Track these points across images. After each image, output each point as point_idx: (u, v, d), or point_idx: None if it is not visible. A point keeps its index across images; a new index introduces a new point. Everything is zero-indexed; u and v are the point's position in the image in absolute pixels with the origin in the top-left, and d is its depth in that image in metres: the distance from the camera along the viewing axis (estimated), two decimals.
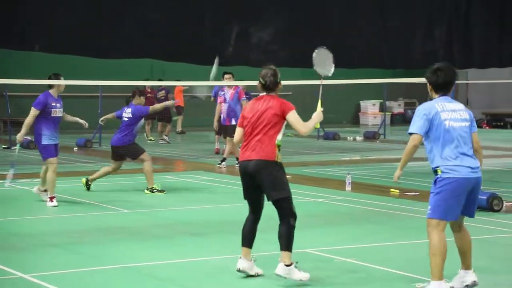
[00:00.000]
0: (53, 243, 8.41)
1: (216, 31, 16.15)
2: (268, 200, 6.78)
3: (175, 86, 23.68)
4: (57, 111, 11.12)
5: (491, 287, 6.58)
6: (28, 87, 22.89)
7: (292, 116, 6.81)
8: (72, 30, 15.26)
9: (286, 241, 6.62)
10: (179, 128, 24.52)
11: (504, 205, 10.44)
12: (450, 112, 6.14)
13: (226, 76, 15.90)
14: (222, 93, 15.84)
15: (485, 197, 10.36)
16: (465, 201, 6.23)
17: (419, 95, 34.00)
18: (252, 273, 6.76)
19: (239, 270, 6.71)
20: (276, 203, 6.71)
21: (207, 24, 15.84)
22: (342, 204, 10.97)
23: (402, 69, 20.74)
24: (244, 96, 16.11)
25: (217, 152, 18.28)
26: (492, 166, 16.28)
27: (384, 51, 17.08)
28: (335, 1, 16.46)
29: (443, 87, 6.22)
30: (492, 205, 10.30)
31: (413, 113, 25.74)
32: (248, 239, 6.84)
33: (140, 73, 25.52)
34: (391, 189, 12.20)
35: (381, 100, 29.52)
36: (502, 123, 30.15)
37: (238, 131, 6.96)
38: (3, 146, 20.83)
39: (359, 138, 24.29)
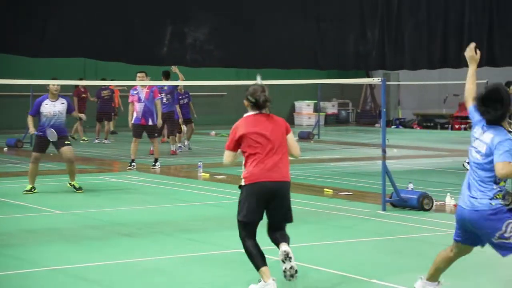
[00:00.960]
0: None
1: (149, 31, 15.99)
2: (283, 222, 6.49)
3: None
4: None
5: (420, 286, 6.63)
6: None
7: (291, 137, 6.66)
8: (1, 29, 14.90)
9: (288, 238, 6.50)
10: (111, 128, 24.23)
11: (434, 204, 10.59)
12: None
13: (139, 75, 15.41)
14: (135, 92, 15.34)
15: (415, 197, 10.51)
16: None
17: (352, 96, 34.46)
18: None
19: None
20: (287, 223, 6.54)
21: (139, 24, 15.67)
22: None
23: (336, 70, 20.92)
24: (158, 96, 15.95)
25: (152, 153, 18.10)
26: (422, 166, 16.55)
27: (317, 52, 17.17)
28: (268, 2, 16.49)
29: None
30: (422, 204, 10.44)
31: (346, 113, 26.02)
32: (263, 256, 6.42)
33: (73, 72, 25.13)
34: (325, 189, 12.26)
35: (315, 101, 29.74)
36: (432, 124, 30.69)
37: (231, 154, 6.47)
38: None
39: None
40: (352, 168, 16.03)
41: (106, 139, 22.62)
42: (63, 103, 11.97)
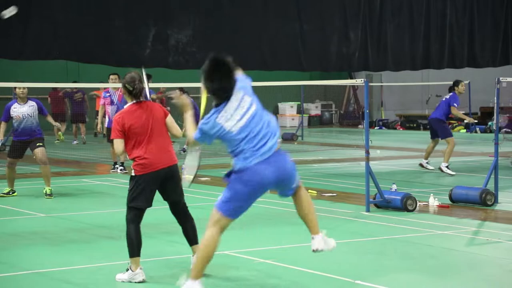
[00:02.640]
0: None
1: (131, 33, 15.94)
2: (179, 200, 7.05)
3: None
4: None
5: (403, 285, 6.65)
6: None
7: (170, 119, 7.10)
8: None
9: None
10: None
11: (417, 205, 10.62)
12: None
13: (112, 77, 15.24)
14: (108, 94, 15.11)
15: (399, 197, 10.53)
16: None
17: (335, 97, 34.52)
18: None
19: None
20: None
21: (121, 26, 15.60)
22: (259, 206, 10.96)
23: (319, 72, 20.97)
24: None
25: None
26: (406, 166, 16.60)
27: (300, 54, 17.18)
28: (253, 6, 16.48)
29: None
30: (406, 205, 10.47)
31: (330, 115, 26.07)
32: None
33: (55, 75, 25.02)
34: (309, 190, 12.25)
35: (299, 102, 29.76)
36: (415, 125, 30.79)
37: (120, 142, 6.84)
38: None
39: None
40: (335, 169, 16.05)
41: (76, 139, 23.05)
42: (31, 105, 11.90)
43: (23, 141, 11.84)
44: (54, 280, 6.82)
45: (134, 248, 6.64)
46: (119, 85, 15.01)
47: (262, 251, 7.95)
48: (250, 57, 16.46)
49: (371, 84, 25.04)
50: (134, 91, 6.76)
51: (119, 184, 13.59)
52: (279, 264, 7.31)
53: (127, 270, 6.65)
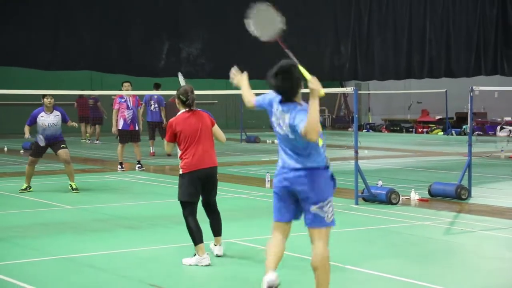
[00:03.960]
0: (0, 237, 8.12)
1: (148, 47, 15.95)
2: (212, 199, 7.08)
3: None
4: None
5: (387, 269, 6.63)
6: None
7: (216, 127, 7.15)
8: (16, 44, 14.83)
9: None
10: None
11: (400, 198, 10.59)
12: None
13: (125, 84, 15.00)
14: (123, 100, 14.90)
15: (384, 192, 10.50)
16: None
17: (328, 103, 34.47)
18: None
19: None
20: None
21: (138, 41, 15.61)
22: (262, 199, 10.95)
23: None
24: (141, 105, 15.92)
25: (153, 155, 18.01)
26: (389, 165, 16.56)
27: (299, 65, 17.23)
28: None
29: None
30: (390, 198, 10.44)
31: (323, 119, 26.07)
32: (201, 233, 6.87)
33: (80, 84, 25.02)
34: None
35: None
36: (398, 128, 30.76)
37: (170, 145, 7.06)
38: None
39: (276, 141, 24.32)
40: (334, 167, 16.03)
41: (97, 140, 23.27)
42: (57, 115, 11.83)
43: (45, 144, 11.79)
44: (80, 264, 6.80)
45: (195, 236, 6.68)
46: (133, 92, 15.01)
47: (264, 239, 7.92)
48: (253, 68, 16.45)
49: (359, 92, 25.01)
50: (187, 101, 6.87)
51: (137, 180, 13.57)
52: None
53: (194, 255, 6.68)
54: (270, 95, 5.38)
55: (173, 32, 15.83)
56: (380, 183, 11.31)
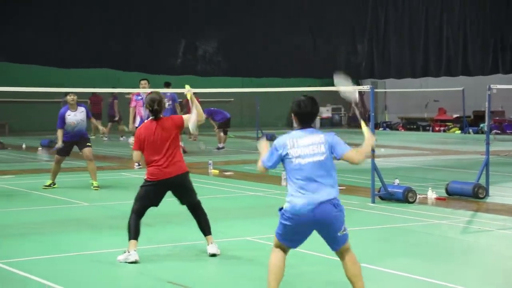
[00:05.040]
0: (16, 233, 8.18)
1: (166, 45, 15.98)
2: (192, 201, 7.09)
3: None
4: None
5: (404, 268, 6.59)
6: None
7: (187, 117, 7.20)
8: (35, 42, 14.94)
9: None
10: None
11: (417, 197, 10.54)
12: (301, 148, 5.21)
13: (142, 82, 15.13)
14: (140, 97, 15.01)
15: (401, 190, 10.46)
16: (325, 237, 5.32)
17: (344, 102, 34.39)
18: None
19: None
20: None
21: (156, 39, 15.65)
22: (278, 197, 10.94)
23: (330, 79, 20.87)
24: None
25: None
26: (406, 163, 16.49)
27: (314, 64, 17.16)
28: (271, 21, 16.48)
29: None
30: (407, 197, 10.39)
31: (339, 117, 25.92)
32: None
33: (97, 81, 25.15)
34: None
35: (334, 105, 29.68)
36: (415, 126, 30.62)
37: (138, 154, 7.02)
38: None
39: None
40: (344, 165, 15.96)
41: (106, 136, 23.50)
42: (82, 111, 11.94)
43: (72, 142, 11.90)
44: (97, 261, 6.83)
45: (131, 232, 6.83)
46: (150, 90, 15.03)
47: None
48: (269, 66, 16.43)
49: (376, 90, 24.93)
50: (153, 110, 6.91)
51: None
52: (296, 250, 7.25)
53: (124, 252, 6.78)
54: (276, 148, 5.29)
55: (189, 30, 15.85)
56: (397, 181, 11.26)
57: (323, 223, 5.17)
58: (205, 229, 7.01)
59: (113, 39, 15.48)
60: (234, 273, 6.47)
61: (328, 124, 33.10)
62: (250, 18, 16.11)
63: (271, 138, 24.28)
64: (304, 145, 5.20)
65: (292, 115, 5.33)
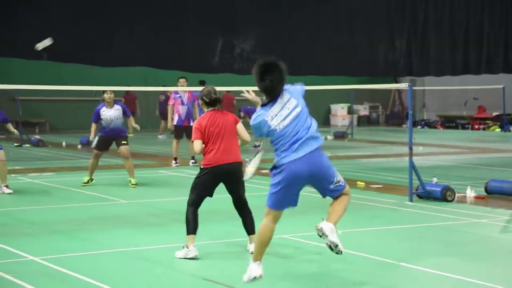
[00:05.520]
0: (57, 230, 8.32)
1: (203, 43, 16.06)
2: (239, 195, 7.10)
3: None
4: None
5: (443, 267, 6.54)
6: (36, 92, 22.70)
7: (240, 126, 7.26)
8: (75, 41, 15.15)
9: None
10: None
11: (456, 196, 10.43)
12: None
13: (180, 80, 15.23)
14: (178, 95, 15.08)
15: (439, 189, 10.36)
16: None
17: (382, 99, 34.14)
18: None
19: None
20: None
21: (194, 38, 15.74)
22: (314, 196, 10.91)
23: (367, 77, 20.76)
24: (197, 101, 15.89)
25: None
26: (445, 162, 16.32)
27: (351, 61, 17.07)
28: (307, 18, 16.44)
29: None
30: (445, 196, 10.29)
31: (377, 115, 25.73)
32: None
33: (136, 79, 25.40)
34: (358, 182, 12.17)
35: (349, 104, 29.56)
36: (454, 124, 30.24)
37: (199, 143, 7.05)
38: (16, 144, 20.64)
39: (329, 137, 24.28)
40: (382, 164, 15.88)
41: (161, 134, 23.80)
42: (117, 109, 12.10)
43: (110, 137, 12.07)
44: (135, 258, 6.91)
45: (189, 226, 6.90)
46: (188, 88, 15.14)
47: (314, 236, 7.90)
48: (306, 64, 16.39)
49: (414, 88, 24.72)
50: (210, 102, 7.08)
51: (191, 175, 13.68)
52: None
53: (183, 247, 6.82)
54: (261, 120, 5.67)
55: (227, 28, 15.92)
56: (435, 180, 11.16)
57: (313, 175, 5.57)
58: (249, 228, 7.05)
59: (152, 38, 15.62)
60: (272, 271, 6.49)
61: (365, 122, 32.91)
62: (287, 16, 16.10)
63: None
64: (278, 110, 5.61)
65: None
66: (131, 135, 20.70)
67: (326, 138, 24.06)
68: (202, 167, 7.00)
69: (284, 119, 5.60)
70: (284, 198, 5.64)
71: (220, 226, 8.54)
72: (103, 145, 12.12)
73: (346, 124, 29.01)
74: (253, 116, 5.75)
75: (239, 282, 6.01)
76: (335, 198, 5.74)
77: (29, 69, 24.04)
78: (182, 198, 10.81)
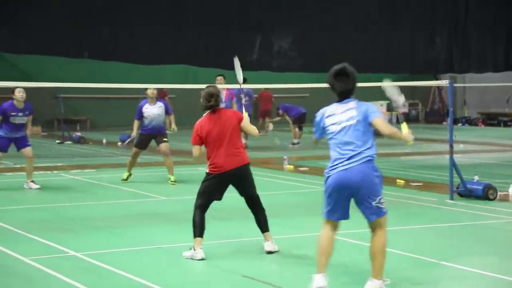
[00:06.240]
0: (98, 226, 8.42)
1: (242, 41, 16.10)
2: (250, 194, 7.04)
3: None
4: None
5: (484, 266, 6.44)
6: (78, 90, 23.02)
7: (246, 122, 7.09)
8: (116, 40, 15.34)
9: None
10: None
11: (498, 194, 10.27)
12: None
13: (218, 77, 15.07)
14: None
15: (481, 187, 10.21)
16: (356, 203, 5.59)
17: (422, 97, 33.76)
18: None
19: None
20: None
21: (233, 36, 15.79)
22: None
23: (407, 74, 20.56)
24: (234, 98, 15.93)
25: (245, 147, 18.13)
26: (487, 159, 16.07)
27: (392, 58, 16.93)
28: (346, 15, 16.35)
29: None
30: (487, 194, 10.13)
31: (416, 112, 25.59)
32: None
33: (175, 77, 25.57)
34: (397, 180, 12.06)
35: (388, 101, 29.24)
36: (495, 122, 29.76)
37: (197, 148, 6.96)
38: (57, 141, 20.96)
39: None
40: (422, 161, 15.72)
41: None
42: (160, 106, 12.17)
43: (149, 135, 12.15)
44: (174, 254, 6.96)
45: (196, 229, 6.82)
46: (226, 86, 15.18)
47: (354, 233, 7.86)
48: (343, 61, 16.30)
49: (455, 85, 24.41)
50: (210, 104, 6.88)
51: None
52: (367, 245, 7.20)
53: (190, 249, 6.78)
54: (318, 120, 5.73)
55: (265, 26, 15.92)
56: (476, 178, 10.99)
57: (358, 187, 5.43)
58: (263, 225, 6.97)
59: (190, 36, 15.70)
60: (304, 269, 6.47)
61: (405, 120, 32.59)
62: (324, 13, 16.04)
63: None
64: (339, 112, 5.57)
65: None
66: (170, 131, 20.83)
67: None
68: (208, 171, 6.90)
69: (339, 123, 5.55)
70: (332, 208, 5.54)
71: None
72: (143, 143, 12.21)
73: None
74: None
75: (277, 279, 6.00)
76: (373, 229, 5.54)
77: (71, 67, 24.40)
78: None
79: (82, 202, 10.30)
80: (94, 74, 24.64)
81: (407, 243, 7.42)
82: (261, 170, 14.11)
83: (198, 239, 6.76)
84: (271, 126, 20.59)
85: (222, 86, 14.92)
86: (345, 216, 5.59)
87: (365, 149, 5.50)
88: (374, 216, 5.49)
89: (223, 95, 15.19)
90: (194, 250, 6.73)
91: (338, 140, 5.51)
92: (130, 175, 12.23)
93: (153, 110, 12.07)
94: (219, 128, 6.82)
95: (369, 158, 5.49)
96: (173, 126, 12.57)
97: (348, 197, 5.52)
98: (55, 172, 13.69)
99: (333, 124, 5.56)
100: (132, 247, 7.24)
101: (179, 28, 15.41)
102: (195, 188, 11.68)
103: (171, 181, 12.03)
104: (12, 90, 11.33)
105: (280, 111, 20.04)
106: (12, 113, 11.18)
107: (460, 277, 6.19)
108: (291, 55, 16.43)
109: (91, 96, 26.37)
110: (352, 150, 5.46)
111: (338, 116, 5.57)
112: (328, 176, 5.52)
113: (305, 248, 7.09)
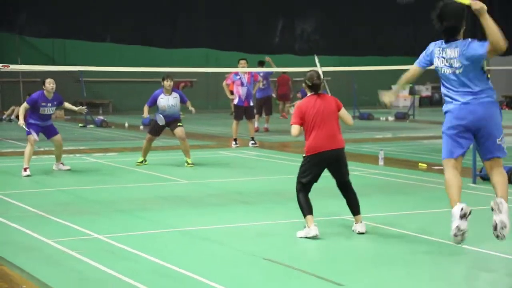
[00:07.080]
0: (121, 209, 8.48)
1: (263, 24, 16.05)
2: (343, 179, 7.07)
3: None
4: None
5: (507, 250, 6.39)
6: (100, 74, 23.13)
7: (343, 111, 7.13)
8: (138, 25, 15.37)
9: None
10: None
11: None
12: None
13: (241, 61, 15.17)
14: (238, 77, 15.04)
15: (505, 171, 10.09)
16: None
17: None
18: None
19: None
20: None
21: (254, 19, 15.75)
22: (376, 177, 10.83)
23: None
24: (259, 77, 15.89)
25: (257, 130, 18.06)
26: (510, 143, 15.90)
27: (413, 42, 16.79)
28: (370, 1, 16.26)
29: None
30: (511, 178, 10.03)
31: (439, 96, 25.32)
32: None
33: (196, 61, 25.55)
34: (420, 164, 11.99)
35: (411, 84, 29.03)
36: None
37: (297, 128, 7.01)
38: (80, 125, 21.13)
39: (390, 118, 23.97)
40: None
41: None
42: (175, 97, 12.20)
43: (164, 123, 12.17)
44: (196, 237, 6.99)
45: (303, 209, 6.87)
46: (248, 69, 15.18)
47: (377, 216, 7.84)
48: (367, 45, 16.18)
49: None
50: (313, 86, 7.03)
51: (251, 156, 13.75)
52: (392, 229, 7.19)
53: (304, 227, 6.83)
54: (426, 53, 6.05)
55: (287, 9, 15.86)
56: None
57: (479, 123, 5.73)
58: (354, 208, 7.05)
59: (213, 20, 15.68)
60: (330, 250, 6.47)
61: (427, 103, 32.33)
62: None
63: (368, 117, 23.86)
64: (447, 57, 5.78)
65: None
66: (182, 116, 20.93)
67: (387, 119, 23.76)
68: (304, 155, 6.96)
69: (450, 66, 5.71)
70: (450, 145, 5.85)
71: (280, 206, 8.54)
72: (157, 130, 12.27)
73: (407, 105, 28.59)
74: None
75: (300, 261, 6.01)
76: (490, 164, 6.00)
77: (94, 51, 24.50)
78: (242, 179, 10.93)
79: (105, 185, 10.38)
80: (115, 58, 24.78)
81: (429, 227, 7.39)
82: (284, 154, 14.12)
83: (309, 217, 6.81)
84: (292, 110, 20.58)
85: (245, 69, 14.92)
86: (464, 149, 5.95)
87: (480, 90, 5.76)
88: (496, 153, 6.04)
89: (245, 78, 15.17)
90: (308, 227, 6.78)
91: (450, 79, 5.81)
92: (145, 161, 12.29)
93: (168, 102, 12.10)
94: (321, 110, 6.94)
95: (487, 99, 5.78)
96: (191, 108, 12.58)
97: (467, 133, 5.84)
98: (78, 155, 13.81)
99: (442, 66, 5.82)
100: (154, 230, 7.29)
101: (201, 13, 15.40)
102: (217, 171, 11.77)
103: (188, 164, 12.07)
104: (42, 81, 11.45)
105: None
106: (43, 104, 11.31)
107: (484, 261, 6.17)
108: (314, 39, 16.35)
109: (113, 80, 26.48)
110: (467, 90, 5.73)
111: (447, 57, 5.78)
112: (446, 114, 5.81)
113: (333, 230, 7.09)
